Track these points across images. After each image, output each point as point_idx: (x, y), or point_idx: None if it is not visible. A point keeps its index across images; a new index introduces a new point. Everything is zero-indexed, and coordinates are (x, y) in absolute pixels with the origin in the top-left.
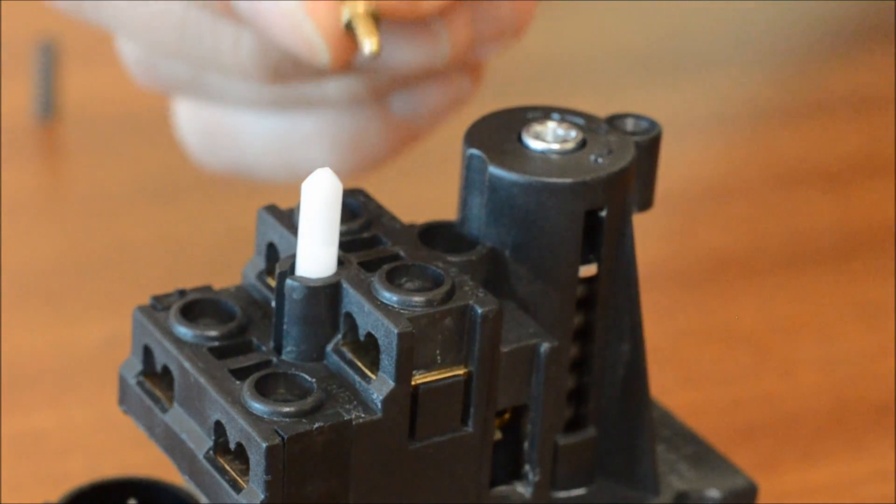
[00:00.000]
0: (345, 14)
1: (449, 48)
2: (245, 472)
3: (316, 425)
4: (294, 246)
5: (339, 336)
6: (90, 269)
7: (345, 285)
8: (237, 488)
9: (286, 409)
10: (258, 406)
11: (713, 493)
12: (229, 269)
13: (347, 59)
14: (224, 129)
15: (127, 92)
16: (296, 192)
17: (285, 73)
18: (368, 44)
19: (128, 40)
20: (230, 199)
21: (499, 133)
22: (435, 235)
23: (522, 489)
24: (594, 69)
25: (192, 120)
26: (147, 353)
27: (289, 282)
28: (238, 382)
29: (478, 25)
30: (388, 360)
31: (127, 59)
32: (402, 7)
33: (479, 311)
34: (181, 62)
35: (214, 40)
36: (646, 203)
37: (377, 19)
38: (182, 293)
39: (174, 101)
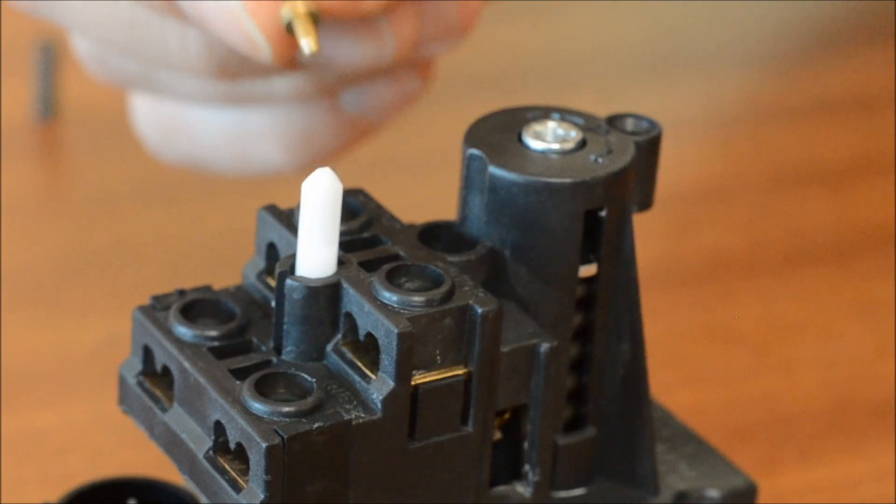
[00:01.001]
0: (285, 13)
1: (394, 47)
2: (245, 471)
3: (316, 425)
4: (294, 246)
5: (339, 336)
6: (90, 269)
7: (345, 285)
8: (237, 488)
9: (286, 409)
10: (258, 406)
11: (713, 492)
12: (229, 268)
13: (290, 57)
14: (178, 124)
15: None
16: (295, 191)
17: (233, 69)
18: (306, 44)
19: (80, 37)
20: (230, 199)
21: (499, 133)
22: (435, 235)
23: (522, 489)
24: (594, 69)
25: (147, 114)
26: (147, 353)
27: (289, 282)
28: (238, 382)
29: (423, 24)
30: (387, 360)
31: (80, 54)
32: (342, 6)
33: (479, 310)
34: (132, 59)
35: (162, 38)
36: (646, 203)
37: (316, 19)
38: (182, 293)
39: (130, 94)
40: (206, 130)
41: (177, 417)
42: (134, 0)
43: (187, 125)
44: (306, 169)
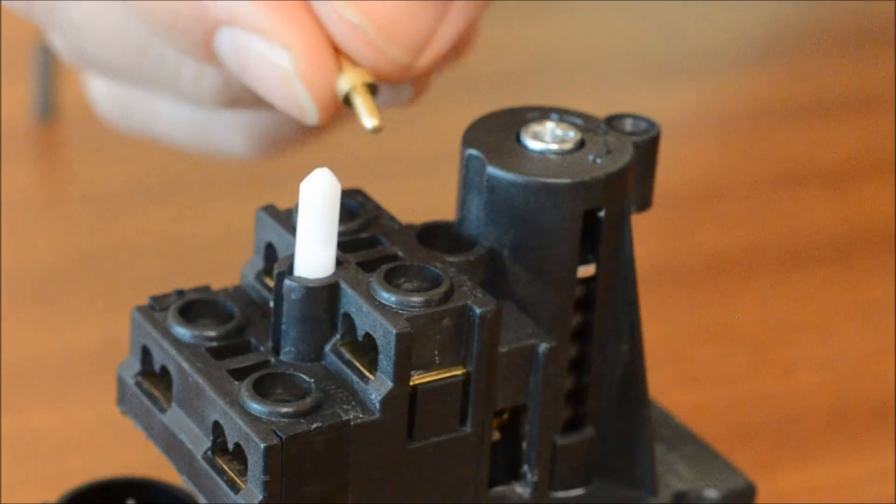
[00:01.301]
0: (342, 85)
1: (412, 91)
2: (243, 472)
3: (314, 426)
4: (292, 246)
5: (338, 336)
6: (89, 269)
7: (343, 285)
8: (235, 489)
9: (284, 410)
10: (256, 406)
11: (711, 493)
12: (228, 269)
13: (333, 118)
14: (139, 105)
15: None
16: (294, 191)
17: (245, 103)
18: (370, 121)
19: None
20: (229, 200)
21: (497, 133)
22: (433, 236)
23: (521, 489)
24: (593, 69)
25: (106, 93)
26: (145, 354)
27: (287, 282)
28: (236, 383)
29: None
30: (386, 361)
31: (53, 41)
32: (396, 73)
33: (478, 311)
34: (132, 78)
35: (175, 70)
36: (644, 203)
37: (375, 90)
38: (180, 293)
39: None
40: (167, 115)
41: (175, 418)
42: (159, 35)
43: (149, 108)
44: (268, 156)
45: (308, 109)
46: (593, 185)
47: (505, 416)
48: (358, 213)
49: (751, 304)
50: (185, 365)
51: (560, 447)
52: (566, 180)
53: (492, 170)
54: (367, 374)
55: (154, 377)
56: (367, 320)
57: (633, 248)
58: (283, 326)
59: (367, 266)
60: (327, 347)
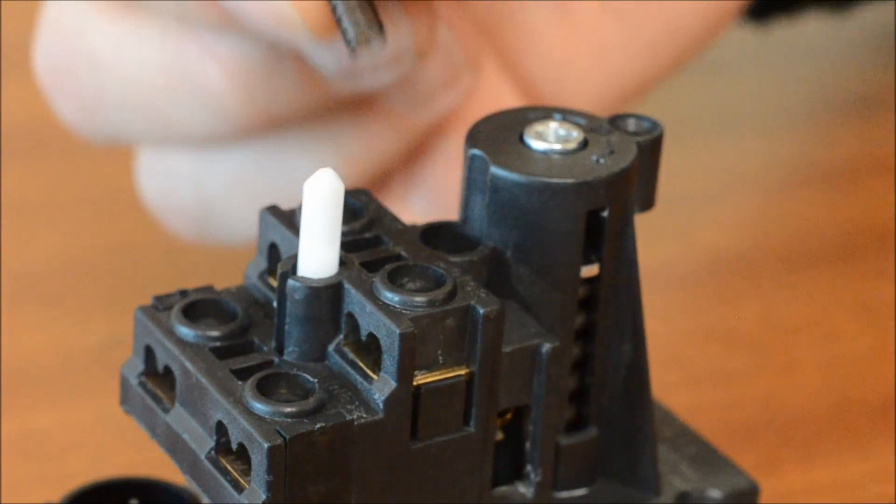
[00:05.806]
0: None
1: (414, 46)
2: (247, 472)
3: (318, 426)
4: (296, 246)
5: (341, 336)
6: (90, 269)
7: (346, 285)
8: (239, 489)
9: (288, 410)
10: (260, 406)
11: (715, 493)
12: (231, 269)
13: (329, 31)
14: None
15: None
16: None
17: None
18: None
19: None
20: None
21: (500, 133)
22: (437, 236)
23: (524, 489)
24: None
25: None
26: (149, 354)
27: (290, 282)
28: (240, 383)
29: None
30: (389, 361)
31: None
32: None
33: (481, 311)
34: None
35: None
36: (647, 203)
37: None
38: (183, 293)
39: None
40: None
41: (178, 418)
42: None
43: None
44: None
45: (293, 19)
46: (597, 185)
47: (508, 416)
48: (361, 213)
49: (751, 304)
50: (189, 365)
51: (563, 447)
52: (569, 180)
53: (495, 170)
54: (371, 374)
55: (157, 377)
56: (371, 320)
57: (636, 247)
58: (287, 326)
59: (371, 266)
60: (331, 347)
